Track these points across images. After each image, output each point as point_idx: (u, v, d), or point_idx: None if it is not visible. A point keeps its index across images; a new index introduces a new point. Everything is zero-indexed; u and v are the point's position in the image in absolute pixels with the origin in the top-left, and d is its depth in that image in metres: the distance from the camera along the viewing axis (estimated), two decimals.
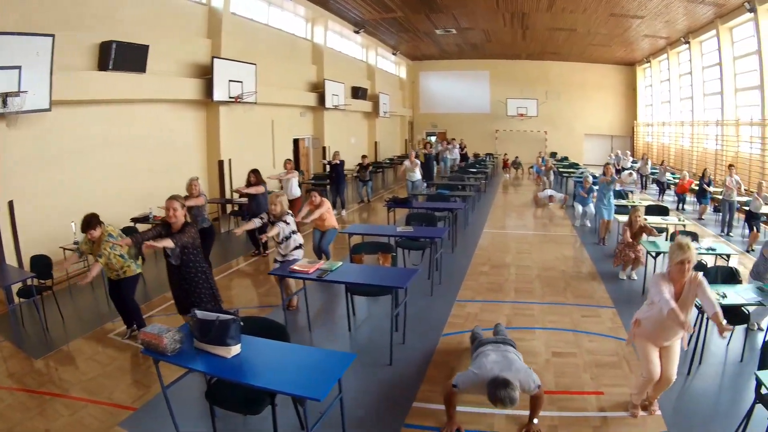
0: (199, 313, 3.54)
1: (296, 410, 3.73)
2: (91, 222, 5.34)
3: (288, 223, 6.09)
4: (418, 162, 14.19)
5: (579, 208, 12.05)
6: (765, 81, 14.05)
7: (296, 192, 10.99)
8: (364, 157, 15.56)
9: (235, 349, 3.48)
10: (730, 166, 12.32)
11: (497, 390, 3.52)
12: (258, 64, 12.63)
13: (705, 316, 4.74)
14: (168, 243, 4.47)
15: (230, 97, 11.80)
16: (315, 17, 17.57)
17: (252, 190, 9.14)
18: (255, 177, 9.25)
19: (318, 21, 17.80)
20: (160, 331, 3.48)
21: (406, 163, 13.98)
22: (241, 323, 3.54)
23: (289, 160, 11.19)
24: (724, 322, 3.54)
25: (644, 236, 7.63)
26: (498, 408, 3.60)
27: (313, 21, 17.74)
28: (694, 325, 4.44)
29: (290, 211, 6.31)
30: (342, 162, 13.45)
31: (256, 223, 6.18)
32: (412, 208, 9.51)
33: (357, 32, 20.35)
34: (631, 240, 7.73)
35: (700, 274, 3.84)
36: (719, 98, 17.42)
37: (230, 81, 11.75)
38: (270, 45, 14.98)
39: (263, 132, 14.44)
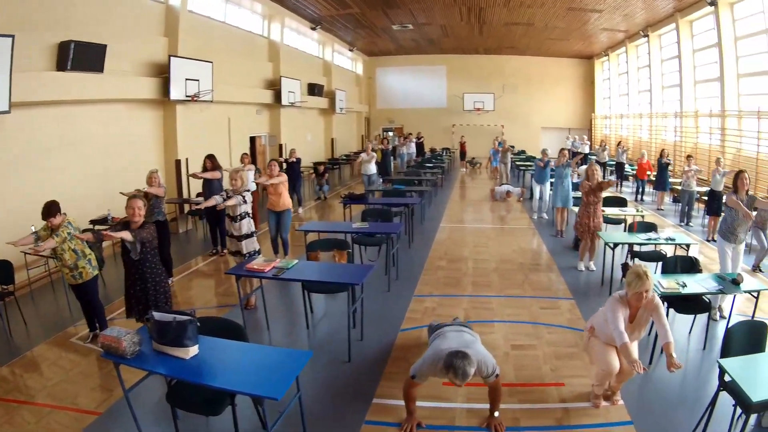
0: (157, 315, 3.57)
1: (257, 410, 3.78)
2: (51, 209, 5.26)
3: (246, 202, 6.24)
4: (374, 154, 14.36)
5: (537, 190, 12.15)
6: (725, 73, 14.43)
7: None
8: (319, 165, 15.83)
9: (193, 350, 3.52)
10: (689, 156, 12.46)
11: (454, 359, 3.45)
12: (214, 62, 12.51)
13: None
14: (126, 234, 4.61)
15: (187, 96, 11.66)
16: (272, 14, 17.44)
17: (208, 175, 9.10)
18: (211, 162, 9.20)
19: (275, 18, 17.67)
20: (119, 334, 3.49)
21: (363, 155, 14.18)
22: (198, 324, 3.57)
23: (246, 154, 11.15)
24: (675, 356, 3.53)
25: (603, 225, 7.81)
26: (449, 378, 3.51)
27: (269, 18, 17.59)
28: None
29: (249, 189, 6.47)
30: (298, 160, 13.46)
31: (217, 199, 6.31)
32: (368, 204, 9.62)
33: (314, 29, 20.29)
34: (591, 186, 7.66)
35: (657, 296, 3.87)
36: (678, 90, 17.75)
37: (187, 79, 11.61)
38: (227, 43, 14.83)
39: (220, 130, 14.29)
